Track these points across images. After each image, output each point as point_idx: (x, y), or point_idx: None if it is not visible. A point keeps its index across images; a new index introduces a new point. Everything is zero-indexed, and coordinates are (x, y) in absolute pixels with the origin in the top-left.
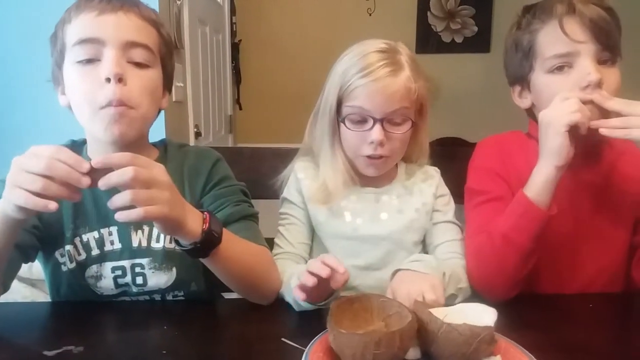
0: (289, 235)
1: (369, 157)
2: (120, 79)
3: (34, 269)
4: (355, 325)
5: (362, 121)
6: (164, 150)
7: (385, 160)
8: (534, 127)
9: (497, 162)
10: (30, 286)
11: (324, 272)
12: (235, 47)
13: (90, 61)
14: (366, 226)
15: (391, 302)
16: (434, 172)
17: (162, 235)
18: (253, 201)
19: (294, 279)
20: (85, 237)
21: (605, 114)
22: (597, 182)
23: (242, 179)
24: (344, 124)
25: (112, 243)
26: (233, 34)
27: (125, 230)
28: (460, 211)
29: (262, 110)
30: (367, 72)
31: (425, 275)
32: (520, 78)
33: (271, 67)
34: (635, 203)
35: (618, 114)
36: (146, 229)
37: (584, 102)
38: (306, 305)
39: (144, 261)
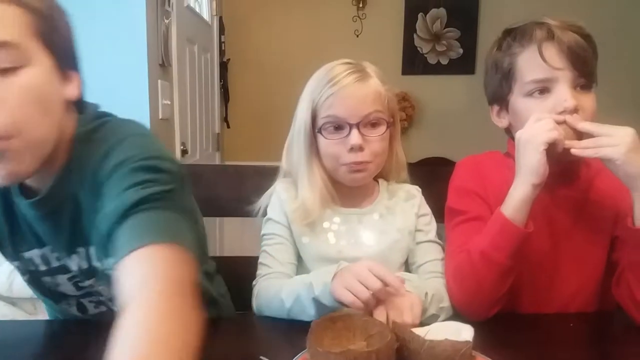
0: (277, 254)
1: (350, 164)
2: None
3: (15, 286)
4: (337, 344)
5: (339, 129)
6: (73, 143)
7: (367, 166)
8: (513, 147)
9: (476, 182)
10: (10, 304)
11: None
12: (223, 66)
13: None
14: (350, 248)
15: (373, 321)
16: (416, 192)
17: (90, 255)
18: (235, 219)
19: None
20: (27, 255)
21: (578, 136)
22: (574, 200)
23: (225, 196)
24: (321, 134)
25: (58, 259)
26: (222, 53)
27: (61, 253)
28: (443, 230)
29: (250, 128)
30: (336, 81)
31: (405, 295)
32: (499, 98)
33: (259, 86)
34: (612, 221)
35: (590, 136)
36: (82, 251)
37: (558, 123)
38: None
39: (91, 281)
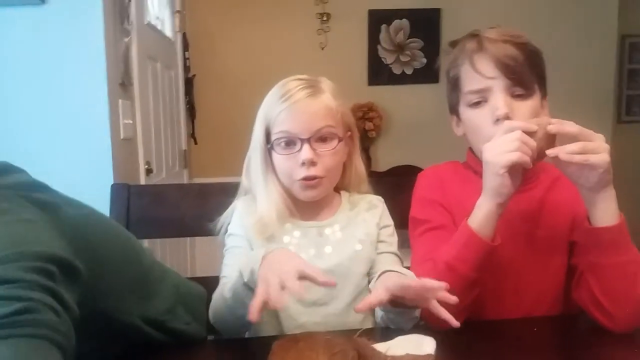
0: (235, 264)
1: (303, 179)
2: None
3: None
4: None
5: (290, 144)
6: None
7: (321, 182)
8: (471, 157)
9: (438, 192)
10: None
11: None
12: (189, 82)
13: None
14: (311, 261)
15: (336, 340)
16: (378, 202)
17: None
18: (206, 238)
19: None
20: None
21: (549, 139)
22: (532, 207)
23: (190, 215)
24: (274, 150)
25: None
26: (187, 69)
27: None
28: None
29: (218, 143)
30: (288, 96)
31: None
32: (452, 108)
33: (226, 101)
34: (569, 226)
35: (573, 139)
36: None
37: (529, 133)
38: None
39: None
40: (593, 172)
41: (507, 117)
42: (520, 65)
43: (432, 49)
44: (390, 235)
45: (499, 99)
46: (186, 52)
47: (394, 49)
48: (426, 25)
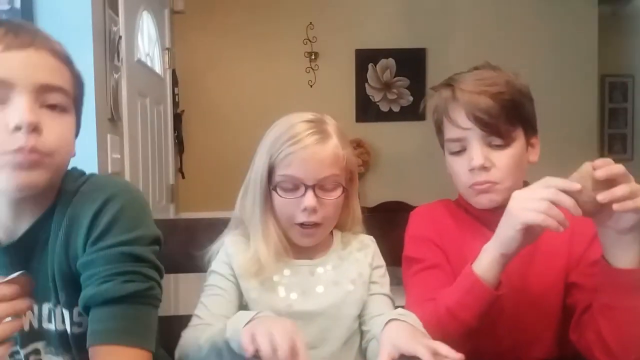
0: (211, 305)
1: (302, 225)
2: (35, 128)
3: None
4: None
5: (294, 189)
6: (60, 193)
7: (319, 228)
8: (461, 196)
9: (431, 230)
10: None
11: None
12: (177, 118)
13: None
14: (301, 301)
15: None
16: (370, 242)
17: (52, 316)
18: (185, 276)
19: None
20: None
21: (600, 186)
22: (529, 250)
23: (177, 252)
24: (276, 192)
25: None
26: (175, 104)
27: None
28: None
29: (205, 179)
30: (296, 140)
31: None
32: (442, 147)
33: (214, 136)
34: (564, 266)
35: (610, 184)
36: (35, 308)
37: (568, 193)
38: None
39: (39, 345)
40: (634, 216)
41: (482, 168)
42: (494, 117)
43: (418, 87)
44: (382, 276)
45: (475, 150)
46: (175, 88)
47: (381, 87)
48: (412, 64)
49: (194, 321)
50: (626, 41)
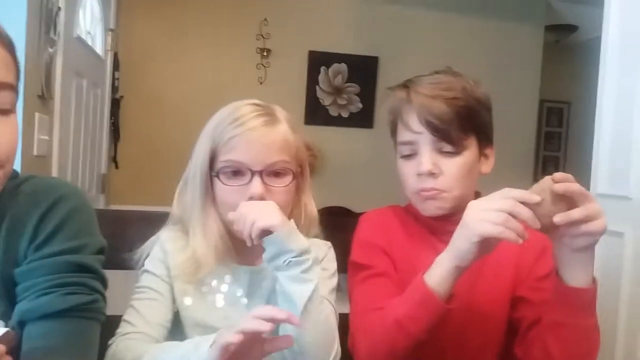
0: (146, 312)
1: None
2: None
3: None
4: None
5: (238, 174)
6: None
7: None
8: (411, 203)
9: (380, 237)
10: None
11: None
12: (115, 103)
13: None
14: (240, 312)
15: None
16: (323, 245)
17: None
18: (113, 272)
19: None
20: None
21: (557, 202)
22: (476, 263)
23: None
24: (218, 178)
25: None
26: (114, 89)
27: None
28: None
29: (141, 170)
30: (242, 121)
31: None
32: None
33: (154, 126)
34: (512, 279)
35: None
36: None
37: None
38: None
39: None
40: (589, 237)
41: (430, 174)
42: (446, 123)
43: (368, 95)
44: (327, 279)
45: (424, 155)
46: (116, 72)
47: (332, 92)
48: (364, 71)
49: (124, 328)
50: (566, 69)
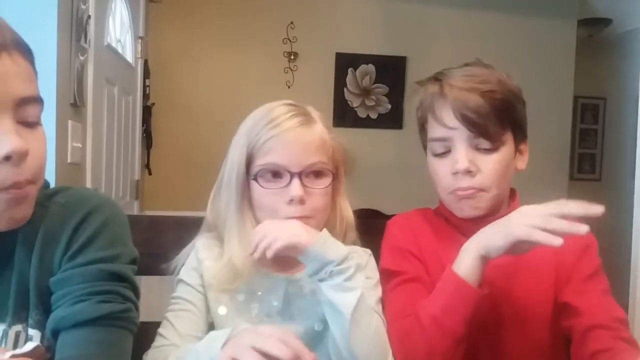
0: (179, 324)
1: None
2: (23, 157)
3: None
4: None
5: (277, 176)
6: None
7: (308, 223)
8: (443, 205)
9: (410, 241)
10: None
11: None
12: (147, 110)
13: None
14: (276, 323)
15: None
16: (363, 253)
17: (3, 339)
18: (148, 278)
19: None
20: None
21: None
22: (513, 261)
23: (138, 251)
24: (257, 182)
25: None
26: (146, 96)
27: None
28: None
29: (174, 176)
30: (277, 122)
31: None
32: (424, 148)
33: (185, 133)
34: (551, 282)
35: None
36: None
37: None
38: None
39: None
40: None
41: (467, 172)
42: (484, 117)
43: (397, 95)
44: (370, 289)
45: (460, 152)
46: (147, 80)
47: (360, 93)
48: (392, 71)
49: (158, 341)
50: (600, 64)
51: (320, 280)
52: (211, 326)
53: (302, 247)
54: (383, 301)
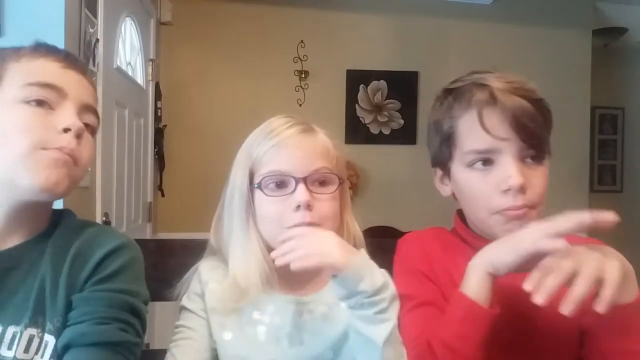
0: (179, 354)
1: (295, 227)
2: (79, 135)
3: None
4: None
5: (282, 185)
6: (58, 223)
7: None
8: (460, 224)
9: (423, 262)
10: None
11: None
12: (159, 133)
13: (41, 104)
14: (285, 349)
15: None
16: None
17: (15, 342)
18: (156, 304)
19: None
20: None
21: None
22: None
23: (145, 277)
24: (261, 190)
25: None
26: (157, 119)
27: None
28: None
29: (187, 198)
30: (276, 132)
31: None
32: (440, 163)
33: (197, 154)
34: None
35: None
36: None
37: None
38: None
39: None
40: None
41: (521, 189)
42: (540, 126)
43: (409, 110)
44: None
45: (511, 166)
46: (158, 102)
47: (372, 109)
48: (404, 87)
49: None
50: (617, 74)
51: (349, 307)
52: (214, 352)
53: (334, 271)
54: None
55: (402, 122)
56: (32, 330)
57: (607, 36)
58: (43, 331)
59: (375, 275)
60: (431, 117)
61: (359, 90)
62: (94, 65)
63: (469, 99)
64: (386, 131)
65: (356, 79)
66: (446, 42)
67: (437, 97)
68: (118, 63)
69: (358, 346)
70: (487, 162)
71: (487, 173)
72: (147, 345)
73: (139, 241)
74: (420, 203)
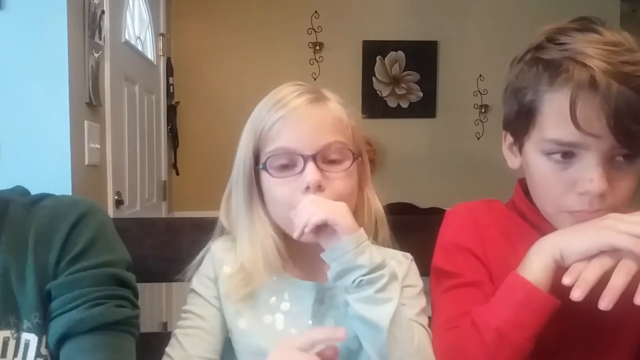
0: (187, 342)
1: None
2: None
3: None
4: None
5: (290, 165)
6: (4, 210)
7: None
8: (521, 197)
9: (472, 239)
10: None
11: None
12: (172, 109)
13: None
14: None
15: None
16: (403, 259)
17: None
18: (173, 285)
19: None
20: None
21: None
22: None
23: (153, 257)
24: (267, 171)
25: None
26: (170, 95)
27: None
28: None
29: (202, 175)
30: (283, 103)
31: None
32: (513, 132)
33: (212, 131)
34: None
35: None
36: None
37: None
38: None
39: None
40: None
41: (601, 195)
42: (639, 120)
43: (429, 82)
44: (413, 298)
45: (595, 169)
46: (170, 78)
47: (389, 82)
48: (423, 58)
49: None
50: None
51: (346, 291)
52: (228, 342)
53: (340, 229)
54: (431, 304)
55: (421, 94)
56: (5, 332)
57: (636, 2)
58: (18, 331)
59: (373, 252)
60: (512, 80)
61: (375, 62)
62: (100, 39)
63: (564, 77)
64: (404, 104)
65: (373, 51)
66: (467, 10)
67: (522, 58)
68: (126, 37)
69: (363, 337)
70: (568, 154)
71: (565, 167)
72: (165, 325)
73: (146, 220)
74: (441, 179)
